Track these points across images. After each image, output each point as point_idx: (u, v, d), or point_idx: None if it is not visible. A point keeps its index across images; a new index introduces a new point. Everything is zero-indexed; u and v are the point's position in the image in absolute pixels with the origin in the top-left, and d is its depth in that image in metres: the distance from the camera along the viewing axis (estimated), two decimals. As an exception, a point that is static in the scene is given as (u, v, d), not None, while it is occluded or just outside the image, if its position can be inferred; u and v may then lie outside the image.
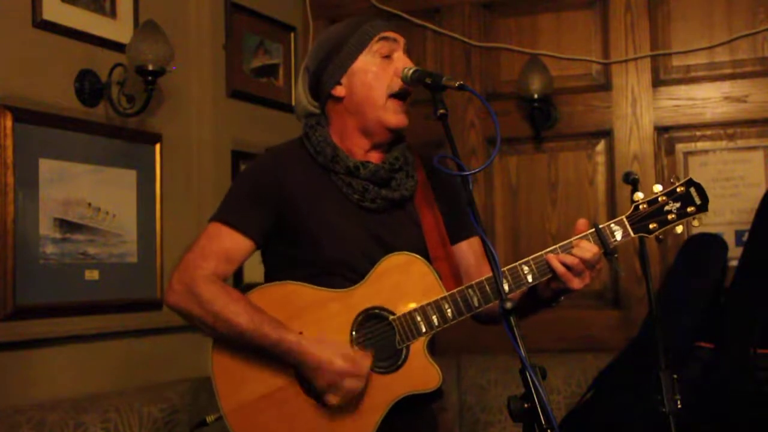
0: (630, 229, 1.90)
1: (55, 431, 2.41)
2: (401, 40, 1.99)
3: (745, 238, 3.29)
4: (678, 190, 1.91)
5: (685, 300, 3.15)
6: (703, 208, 1.90)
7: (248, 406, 1.88)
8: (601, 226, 1.89)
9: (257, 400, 1.88)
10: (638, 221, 1.90)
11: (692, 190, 1.91)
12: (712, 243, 3.28)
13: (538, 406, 1.52)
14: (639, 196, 1.92)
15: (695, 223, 1.91)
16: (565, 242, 1.87)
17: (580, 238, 1.87)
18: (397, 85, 1.94)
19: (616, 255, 1.89)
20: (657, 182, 3.50)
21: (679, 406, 2.01)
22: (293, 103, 3.75)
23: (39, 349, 2.62)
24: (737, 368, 2.88)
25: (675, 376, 2.04)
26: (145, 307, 3.00)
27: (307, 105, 2.04)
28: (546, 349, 3.42)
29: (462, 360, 3.48)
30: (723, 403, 2.82)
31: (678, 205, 1.90)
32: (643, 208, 1.90)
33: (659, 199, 1.91)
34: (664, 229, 1.91)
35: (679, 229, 1.92)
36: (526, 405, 1.54)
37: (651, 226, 1.90)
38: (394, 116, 1.95)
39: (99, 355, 2.82)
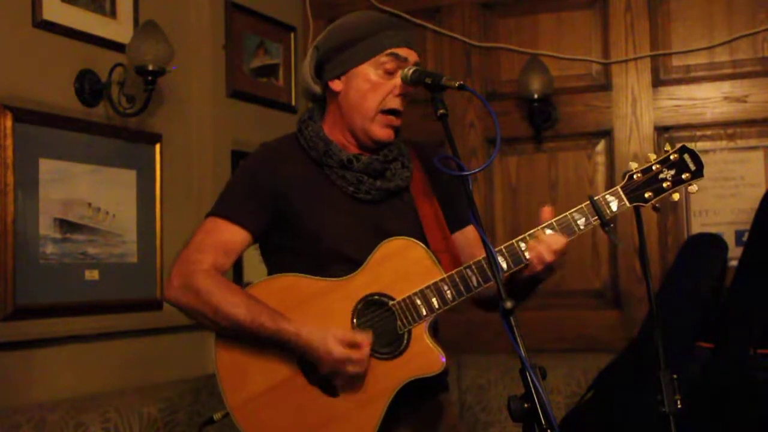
0: (625, 199, 1.88)
1: (55, 431, 2.41)
2: (412, 59, 1.97)
3: (745, 238, 3.29)
4: (672, 157, 1.90)
5: (685, 300, 3.15)
6: (698, 174, 1.90)
7: (254, 401, 1.89)
8: (595, 197, 1.88)
9: (263, 393, 1.89)
10: (633, 190, 1.89)
11: (686, 156, 1.90)
12: (712, 243, 3.28)
13: (538, 406, 1.52)
14: (633, 165, 1.91)
15: (692, 189, 1.90)
16: (531, 231, 1.87)
17: (544, 227, 1.87)
18: (390, 103, 1.95)
19: (612, 225, 1.88)
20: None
21: (679, 406, 2.00)
22: (293, 102, 3.77)
23: (39, 349, 2.62)
24: (737, 368, 2.88)
25: (675, 376, 2.03)
26: (145, 307, 3.00)
27: (310, 82, 2.04)
28: (546, 349, 3.42)
29: (462, 360, 3.48)
30: (723, 403, 2.82)
31: (672, 172, 1.89)
32: (638, 177, 1.89)
33: (653, 167, 1.90)
34: (660, 197, 1.89)
35: (676, 196, 1.91)
36: (526, 405, 1.54)
37: (647, 195, 1.89)
38: (380, 130, 1.96)
39: (99, 355, 2.82)
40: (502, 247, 1.87)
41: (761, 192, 3.24)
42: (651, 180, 1.89)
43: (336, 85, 1.98)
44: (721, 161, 3.48)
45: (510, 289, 1.92)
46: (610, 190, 1.89)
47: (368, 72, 1.95)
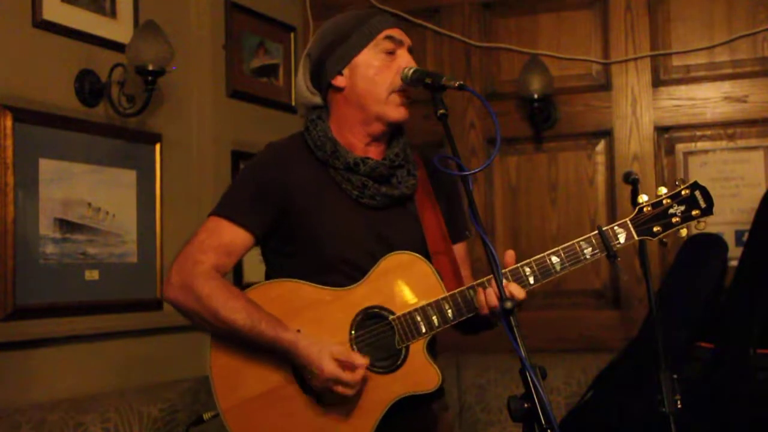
0: (634, 232, 1.88)
1: (55, 431, 2.41)
2: (406, 43, 1.99)
3: (745, 238, 3.29)
4: (683, 193, 1.90)
5: (685, 300, 3.15)
6: (707, 211, 1.89)
7: (246, 405, 1.88)
8: (604, 228, 1.88)
9: (255, 398, 1.88)
10: (642, 224, 1.89)
11: (697, 193, 1.90)
12: (712, 243, 3.28)
13: (538, 406, 1.52)
14: (643, 198, 1.90)
15: (699, 226, 1.90)
16: (506, 270, 1.86)
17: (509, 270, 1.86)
18: (399, 83, 1.94)
19: (618, 258, 1.87)
20: (657, 182, 3.52)
21: (679, 406, 2.00)
22: (293, 102, 3.76)
23: (39, 349, 2.62)
24: (737, 368, 2.88)
25: (675, 376, 2.03)
26: (145, 307, 3.00)
27: (306, 92, 2.04)
28: (545, 349, 3.42)
29: (462, 360, 3.48)
30: (723, 403, 2.82)
31: (683, 208, 1.89)
32: (648, 210, 1.89)
33: (664, 202, 1.90)
34: (668, 232, 1.90)
35: (684, 232, 1.91)
36: (526, 405, 1.54)
37: (655, 229, 1.89)
38: (395, 110, 1.95)
39: (99, 355, 2.82)
40: (506, 270, 1.87)
41: (761, 192, 3.23)
42: (661, 214, 1.89)
43: (340, 81, 1.98)
44: (721, 161, 3.48)
45: (467, 322, 1.92)
46: (619, 222, 1.90)
47: (370, 57, 1.95)
